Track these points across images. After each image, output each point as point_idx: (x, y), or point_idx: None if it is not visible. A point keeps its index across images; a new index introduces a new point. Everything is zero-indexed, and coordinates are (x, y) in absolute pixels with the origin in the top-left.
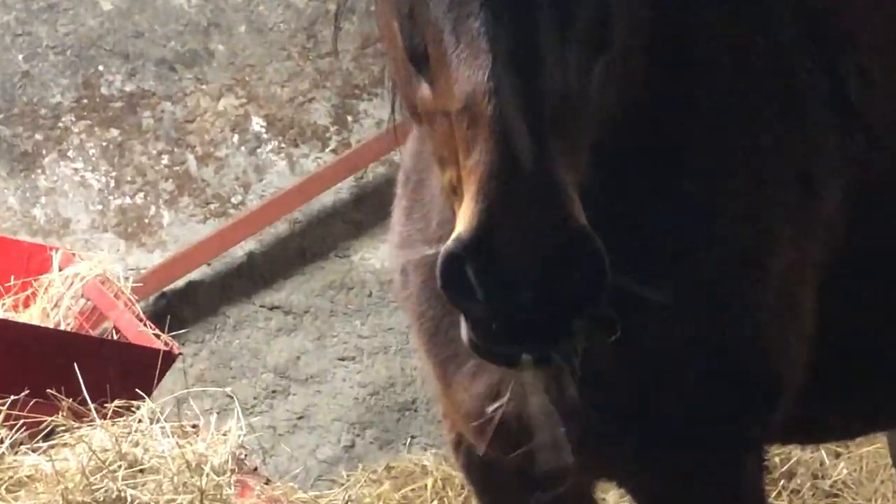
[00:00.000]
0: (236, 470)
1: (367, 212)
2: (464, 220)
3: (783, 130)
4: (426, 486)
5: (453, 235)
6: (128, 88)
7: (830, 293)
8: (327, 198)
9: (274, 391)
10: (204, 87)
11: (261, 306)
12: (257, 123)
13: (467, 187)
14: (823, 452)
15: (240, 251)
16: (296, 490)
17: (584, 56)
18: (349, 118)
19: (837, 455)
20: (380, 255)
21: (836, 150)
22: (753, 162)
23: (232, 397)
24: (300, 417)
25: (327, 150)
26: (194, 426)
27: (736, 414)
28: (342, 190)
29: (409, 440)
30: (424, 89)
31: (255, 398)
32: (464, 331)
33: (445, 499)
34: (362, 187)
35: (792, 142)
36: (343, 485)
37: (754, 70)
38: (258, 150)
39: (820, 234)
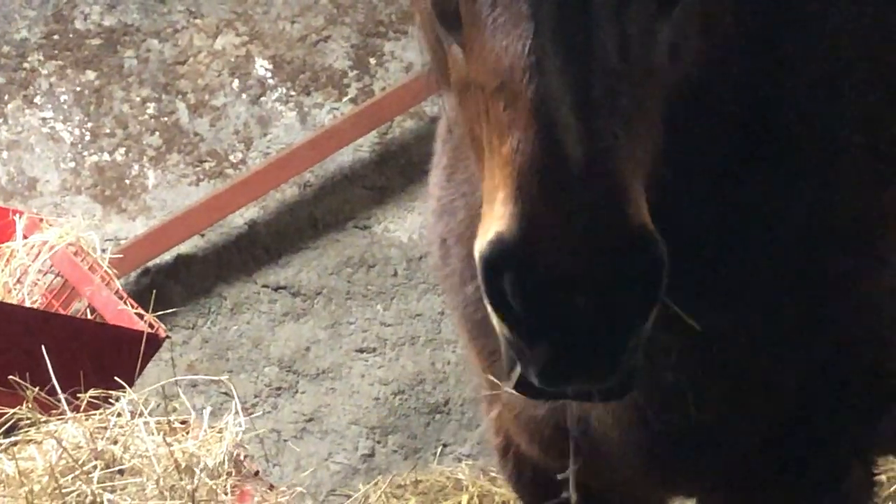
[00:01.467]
0: (233, 473)
1: (391, 174)
2: (500, 219)
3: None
4: (460, 503)
5: (487, 234)
6: (107, 22)
7: None
8: (345, 157)
9: (279, 388)
10: (198, 21)
11: (264, 286)
12: (261, 66)
13: (502, 178)
14: None
15: (239, 220)
16: (305, 497)
17: (647, 16)
18: (372, 61)
19: None
20: (407, 226)
21: None
22: (862, 123)
23: (228, 393)
24: (309, 420)
25: (345, 99)
26: (184, 422)
27: (845, 418)
28: (363, 148)
29: (440, 449)
30: (456, 53)
31: (255, 396)
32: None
33: None
34: (386, 145)
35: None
36: (361, 500)
37: (880, 38)
38: (262, 99)
39: None
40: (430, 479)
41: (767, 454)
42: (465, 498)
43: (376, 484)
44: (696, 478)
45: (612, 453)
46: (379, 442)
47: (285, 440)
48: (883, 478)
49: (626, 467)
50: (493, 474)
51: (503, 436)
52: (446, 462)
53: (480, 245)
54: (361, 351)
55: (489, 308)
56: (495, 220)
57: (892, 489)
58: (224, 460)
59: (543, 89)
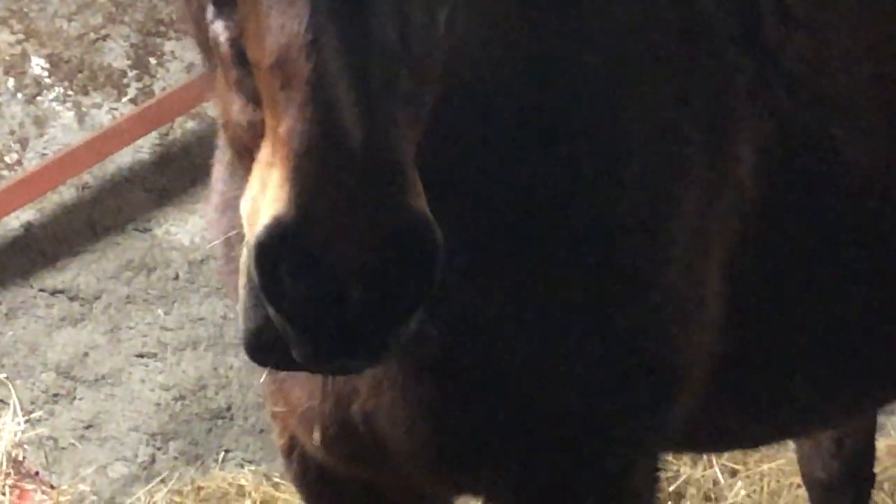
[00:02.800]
0: (11, 473)
1: (172, 176)
2: (277, 201)
3: (686, 75)
4: None
5: (262, 219)
6: None
7: (736, 272)
8: (124, 158)
9: (56, 394)
10: None
11: (41, 290)
12: (38, 65)
13: (279, 160)
14: (717, 470)
15: (15, 222)
16: (87, 496)
17: None
18: (152, 60)
19: (734, 473)
20: (189, 228)
21: (749, 100)
22: (651, 112)
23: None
24: (88, 427)
25: (124, 99)
26: None
27: (626, 414)
28: (143, 149)
29: (222, 455)
30: (219, 28)
31: (32, 403)
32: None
33: None
34: (167, 146)
35: (697, 89)
36: None
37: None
38: (38, 98)
39: (729, 199)
40: (213, 486)
41: (551, 450)
42: None
43: (157, 491)
44: (479, 475)
45: (398, 449)
46: (160, 448)
47: (63, 448)
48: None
49: (411, 463)
50: (276, 480)
51: (287, 436)
52: (229, 468)
53: (256, 230)
54: (142, 356)
55: (264, 298)
56: (271, 204)
57: (671, 488)
58: (2, 460)
59: (321, 68)
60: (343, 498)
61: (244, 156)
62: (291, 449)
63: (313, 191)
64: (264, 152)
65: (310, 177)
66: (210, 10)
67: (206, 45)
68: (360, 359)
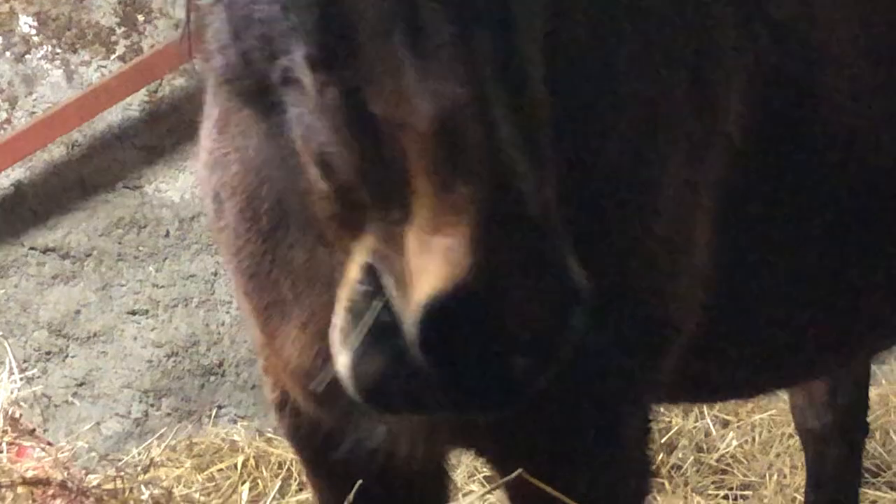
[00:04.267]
0: (9, 430)
1: (162, 134)
2: (451, 266)
3: (672, 27)
4: (236, 465)
5: (435, 282)
6: None
7: (725, 222)
8: (113, 116)
9: (48, 352)
10: None
11: (31, 248)
12: (25, 23)
13: (446, 224)
14: (709, 421)
15: (5, 181)
16: (86, 451)
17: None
18: (140, 17)
19: (725, 424)
20: (179, 185)
21: (736, 51)
22: (637, 65)
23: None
24: (81, 384)
25: (113, 56)
26: None
27: (618, 365)
28: (132, 106)
29: (215, 411)
30: (319, 81)
31: (24, 361)
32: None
33: (259, 480)
34: (156, 103)
35: (683, 41)
36: (135, 465)
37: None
38: (27, 57)
39: (717, 149)
40: (206, 442)
41: (543, 402)
42: (240, 459)
43: (150, 447)
44: (474, 429)
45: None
46: (153, 405)
47: (56, 406)
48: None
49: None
50: (269, 435)
51: (279, 391)
52: (221, 424)
53: (427, 292)
54: (133, 313)
55: (427, 354)
56: (444, 268)
57: (663, 440)
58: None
59: (494, 132)
60: (336, 452)
61: (339, 222)
62: (283, 403)
63: (496, 257)
64: (422, 216)
65: (492, 243)
66: (301, 60)
67: (261, 89)
68: (509, 406)
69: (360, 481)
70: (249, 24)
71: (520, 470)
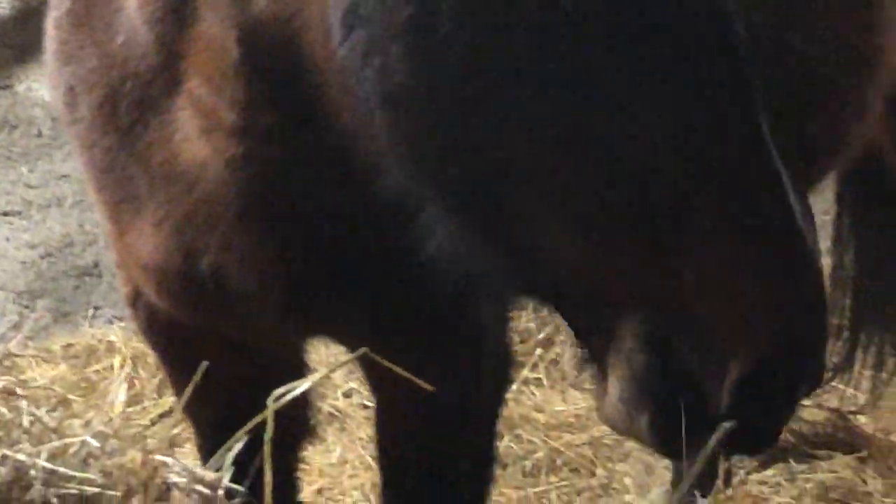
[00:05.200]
0: None
1: (33, 32)
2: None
3: None
4: (113, 366)
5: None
6: None
7: None
8: None
9: None
10: None
11: None
12: None
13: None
14: None
15: None
16: None
17: None
18: None
19: None
20: None
21: None
22: None
23: None
24: None
25: None
26: None
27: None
28: (2, 4)
29: (91, 312)
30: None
31: None
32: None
33: (137, 381)
34: (27, 1)
35: None
36: (8, 367)
37: None
38: None
39: None
40: (82, 343)
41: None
42: (117, 360)
43: (25, 350)
44: (331, 319)
45: (248, 302)
46: (27, 307)
47: None
48: (532, 325)
49: (261, 314)
50: None
51: (132, 286)
52: (98, 325)
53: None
54: (6, 214)
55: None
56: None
57: (540, 335)
58: None
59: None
60: (191, 345)
61: None
62: (136, 297)
63: (797, 332)
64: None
65: (794, 326)
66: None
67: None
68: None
69: (205, 363)
70: None
71: (364, 349)
